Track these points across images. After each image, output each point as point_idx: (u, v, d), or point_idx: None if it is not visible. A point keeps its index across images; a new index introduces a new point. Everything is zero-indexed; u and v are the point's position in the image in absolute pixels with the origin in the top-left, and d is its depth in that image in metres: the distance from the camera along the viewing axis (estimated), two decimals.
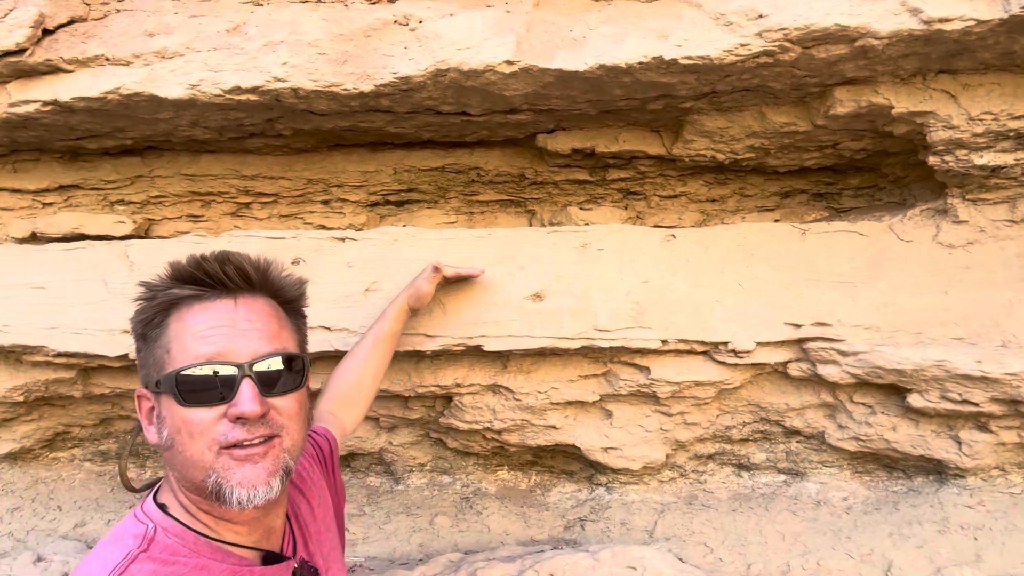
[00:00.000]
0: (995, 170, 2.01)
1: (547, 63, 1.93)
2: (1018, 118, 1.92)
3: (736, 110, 2.19)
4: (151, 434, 1.14)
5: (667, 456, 2.31)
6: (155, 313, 1.13)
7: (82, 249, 2.32)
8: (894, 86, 1.98)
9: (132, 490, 1.30)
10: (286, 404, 1.12)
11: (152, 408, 1.13)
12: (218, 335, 1.08)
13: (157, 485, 1.21)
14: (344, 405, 1.78)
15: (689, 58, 1.88)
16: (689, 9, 1.92)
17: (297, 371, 1.15)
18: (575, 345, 2.12)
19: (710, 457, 2.39)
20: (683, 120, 2.25)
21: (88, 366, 2.28)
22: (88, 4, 2.12)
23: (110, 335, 2.20)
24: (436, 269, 1.96)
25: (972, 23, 1.71)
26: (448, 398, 2.31)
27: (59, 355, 2.21)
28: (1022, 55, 1.84)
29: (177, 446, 1.07)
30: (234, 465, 1.05)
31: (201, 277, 1.12)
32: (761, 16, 1.83)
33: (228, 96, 2.05)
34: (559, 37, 1.96)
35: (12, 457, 2.61)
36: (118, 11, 2.13)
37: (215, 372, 1.06)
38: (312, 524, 1.36)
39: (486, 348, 2.11)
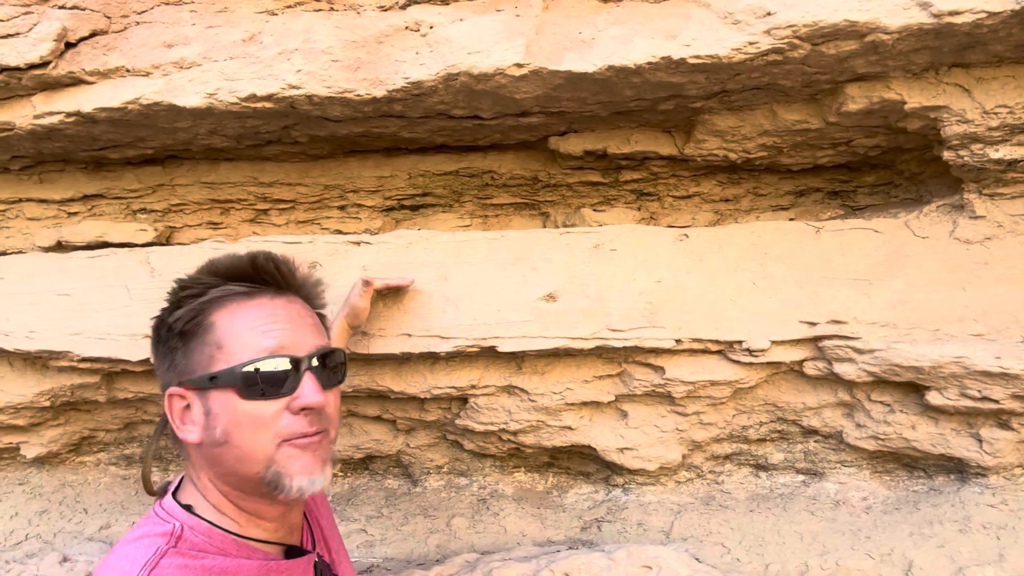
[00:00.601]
0: (1012, 164, 1.98)
1: (556, 65, 1.94)
2: None
3: (747, 109, 2.18)
4: (189, 433, 1.14)
5: (683, 456, 2.30)
6: (199, 310, 1.14)
7: (105, 257, 2.38)
8: (906, 81, 1.97)
9: (153, 494, 1.32)
10: (334, 398, 1.17)
11: (187, 406, 1.14)
12: (278, 330, 1.12)
13: (171, 486, 1.23)
14: None
15: (698, 57, 1.88)
16: (697, 9, 1.92)
17: (339, 365, 1.21)
18: (589, 345, 2.12)
19: (727, 457, 2.37)
20: (694, 120, 2.25)
21: (112, 371, 2.33)
22: (109, 17, 2.18)
23: (133, 340, 2.25)
24: (367, 283, 1.93)
25: (983, 15, 1.69)
26: (464, 399, 2.32)
27: (83, 360, 2.26)
28: None
29: (234, 441, 1.09)
30: (295, 454, 1.09)
31: (251, 273, 1.16)
32: (769, 14, 1.83)
33: (244, 104, 2.09)
34: (568, 39, 1.98)
35: (40, 461, 2.67)
36: (138, 23, 2.18)
37: (280, 366, 1.09)
38: (321, 521, 1.40)
39: (500, 349, 2.12)
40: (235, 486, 1.13)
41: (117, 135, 2.33)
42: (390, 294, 2.19)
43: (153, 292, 2.31)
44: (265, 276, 1.17)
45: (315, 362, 1.13)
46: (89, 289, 2.33)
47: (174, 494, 1.21)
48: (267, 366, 1.09)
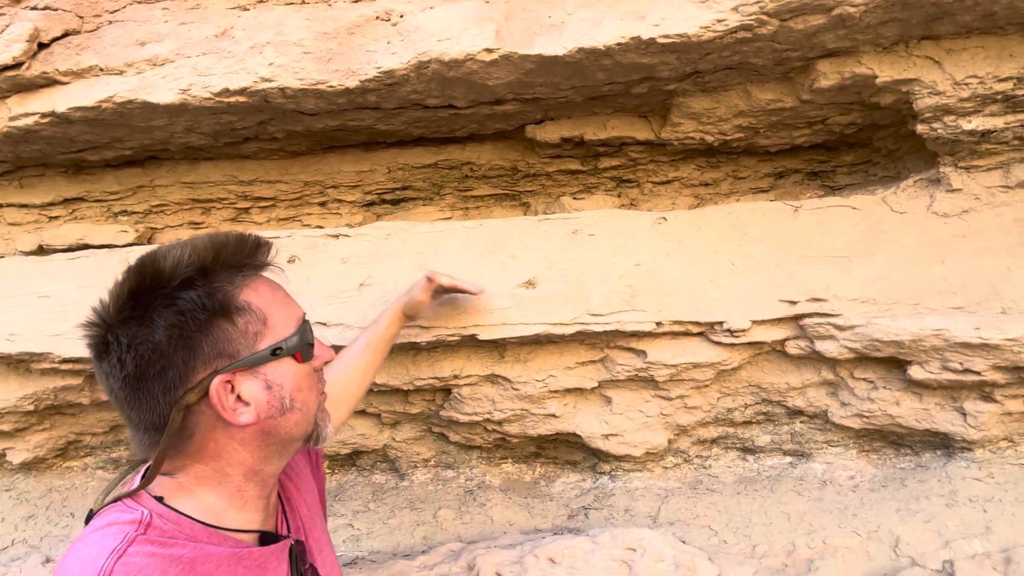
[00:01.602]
0: (985, 135, 1.98)
1: (527, 49, 1.94)
2: (1004, 80, 1.90)
3: (721, 90, 2.18)
4: (243, 415, 1.08)
5: (669, 441, 2.29)
6: (229, 291, 1.09)
7: (85, 258, 2.38)
8: (877, 55, 1.97)
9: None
10: None
11: (260, 382, 1.09)
12: (289, 298, 1.20)
13: (133, 480, 1.20)
14: (329, 407, 1.80)
15: (667, 36, 1.88)
16: None
17: None
18: (570, 330, 2.11)
19: (713, 441, 2.36)
20: (669, 103, 2.25)
21: (93, 371, 2.32)
22: (81, 17, 2.19)
23: None
24: (429, 280, 1.90)
25: None
26: (447, 390, 2.31)
27: (64, 360, 2.26)
28: (1004, 16, 1.82)
29: (298, 404, 1.15)
30: (324, 406, 1.23)
31: (260, 252, 1.17)
32: None
33: (218, 99, 2.10)
34: (537, 23, 1.98)
35: (27, 467, 2.66)
36: (110, 22, 2.19)
37: (311, 330, 1.20)
38: (300, 507, 1.37)
39: (481, 337, 2.11)
40: (271, 457, 1.16)
41: (94, 136, 2.33)
42: (373, 285, 2.18)
43: None
44: (267, 251, 1.20)
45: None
46: (69, 290, 2.33)
47: (142, 486, 1.18)
48: (308, 330, 1.18)
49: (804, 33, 1.88)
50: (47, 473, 2.66)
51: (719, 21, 1.85)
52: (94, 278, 2.34)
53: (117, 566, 0.97)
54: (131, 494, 1.10)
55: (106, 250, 2.41)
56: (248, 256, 1.15)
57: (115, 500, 1.11)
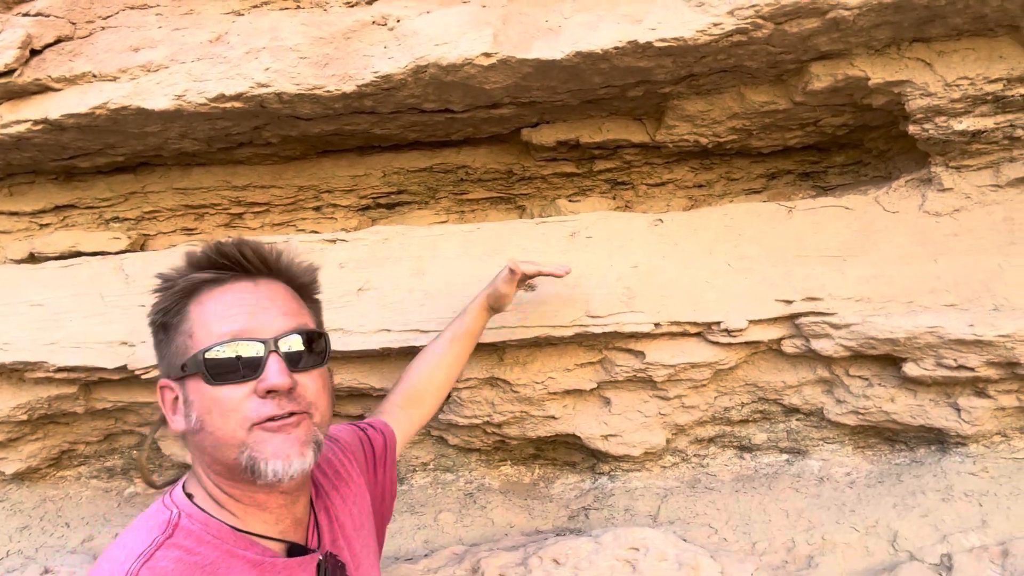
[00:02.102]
0: (976, 135, 2.02)
1: (524, 54, 1.95)
2: (994, 81, 1.94)
3: (715, 92, 2.21)
4: (177, 423, 1.15)
5: (667, 441, 2.31)
6: (175, 301, 1.15)
7: (78, 265, 2.36)
8: (869, 57, 2.00)
9: (154, 486, 1.34)
10: (311, 380, 1.14)
11: (176, 398, 1.14)
12: (241, 313, 1.11)
13: (183, 477, 1.23)
14: (413, 401, 1.77)
15: (664, 40, 1.90)
16: None
17: (320, 348, 1.18)
18: (569, 333, 2.12)
19: (711, 440, 2.38)
20: (664, 106, 2.27)
21: (89, 380, 2.30)
22: (74, 23, 2.17)
23: (109, 347, 2.23)
24: (512, 271, 1.83)
25: None
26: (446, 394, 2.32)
27: (59, 370, 2.24)
28: (994, 18, 1.86)
29: (207, 427, 1.09)
30: (267, 437, 1.07)
31: (220, 260, 1.15)
32: None
33: (213, 104, 2.09)
34: (535, 28, 1.99)
35: (20, 477, 2.63)
36: (103, 28, 2.18)
37: (242, 349, 1.08)
38: (344, 520, 1.34)
39: (481, 340, 2.11)
40: (222, 474, 1.13)
41: (86, 142, 2.31)
42: (372, 289, 2.18)
43: (128, 299, 2.29)
44: (232, 262, 1.16)
45: (284, 344, 1.11)
46: (63, 298, 2.31)
47: (184, 483, 1.21)
48: (228, 350, 1.08)
49: (798, 36, 1.90)
50: (40, 483, 2.63)
51: (715, 25, 1.87)
52: (88, 286, 2.32)
53: (143, 571, 1.00)
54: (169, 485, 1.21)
55: (99, 257, 2.39)
56: (218, 266, 1.15)
57: (172, 481, 1.21)
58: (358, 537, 1.34)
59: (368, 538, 1.38)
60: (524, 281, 1.91)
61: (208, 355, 1.07)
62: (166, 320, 1.16)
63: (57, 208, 2.60)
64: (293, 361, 1.11)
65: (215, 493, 1.14)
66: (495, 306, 1.89)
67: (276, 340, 1.10)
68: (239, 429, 1.07)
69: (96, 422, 2.53)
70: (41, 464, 2.58)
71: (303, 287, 1.27)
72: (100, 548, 2.38)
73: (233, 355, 1.08)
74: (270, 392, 1.07)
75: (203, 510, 1.12)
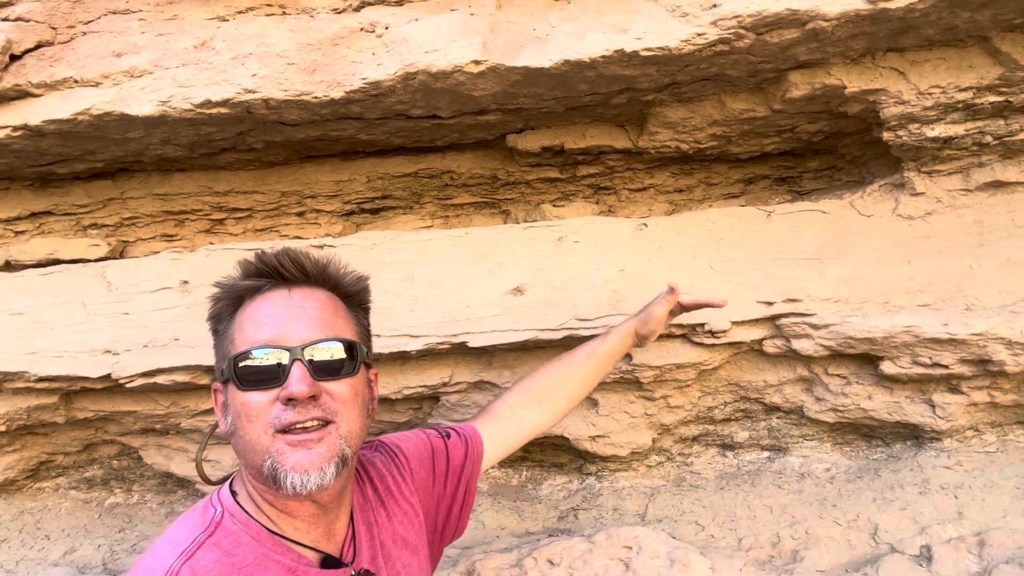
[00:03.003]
0: (947, 141, 2.10)
1: (513, 61, 1.98)
2: (965, 90, 2.02)
3: (697, 100, 2.26)
4: (222, 425, 1.19)
5: (653, 440, 2.35)
6: (223, 308, 1.20)
7: (59, 273, 2.32)
8: (845, 67, 2.07)
9: (209, 482, 1.36)
10: (339, 389, 1.14)
11: (223, 401, 1.18)
12: (272, 321, 1.13)
13: (234, 473, 1.25)
14: (532, 401, 1.67)
15: (649, 50, 1.94)
16: (646, 3, 1.98)
17: (351, 357, 1.17)
18: (558, 336, 2.15)
19: (695, 439, 2.44)
20: (646, 113, 2.32)
21: (71, 389, 2.27)
22: (54, 28, 2.14)
23: (92, 356, 2.20)
24: (672, 290, 1.76)
25: (915, 0, 1.79)
26: (435, 398, 2.33)
27: (41, 379, 2.20)
28: (964, 29, 1.94)
29: (239, 431, 1.12)
30: (288, 450, 1.08)
31: (261, 269, 1.18)
32: (715, 5, 1.90)
33: (199, 110, 2.07)
34: (523, 36, 2.02)
35: None
36: (84, 33, 2.14)
37: (267, 356, 1.10)
38: (386, 537, 1.32)
39: (471, 344, 2.14)
40: (256, 478, 1.15)
41: (66, 148, 2.28)
42: None
43: (110, 306, 2.26)
44: (271, 270, 1.18)
45: (310, 353, 1.11)
46: (44, 307, 2.27)
47: (232, 481, 1.23)
48: (255, 356, 1.10)
49: (778, 46, 1.96)
50: (17, 495, 2.58)
51: (699, 35, 1.92)
52: (69, 294, 2.29)
53: (184, 568, 1.04)
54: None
55: (80, 265, 2.35)
56: (260, 274, 1.18)
57: (226, 477, 1.24)
58: (400, 556, 1.32)
59: (412, 557, 1.35)
60: (679, 311, 1.82)
61: (239, 361, 1.11)
62: (216, 327, 1.22)
63: (33, 215, 2.55)
64: (321, 369, 1.12)
65: (254, 495, 1.17)
66: (643, 331, 1.80)
67: (302, 348, 1.11)
68: (263, 434, 1.09)
69: (76, 432, 2.49)
70: (19, 476, 2.53)
71: (349, 296, 1.28)
72: (83, 560, 2.34)
73: (260, 362, 1.10)
74: (291, 400, 1.08)
75: (244, 510, 1.15)
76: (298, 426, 1.09)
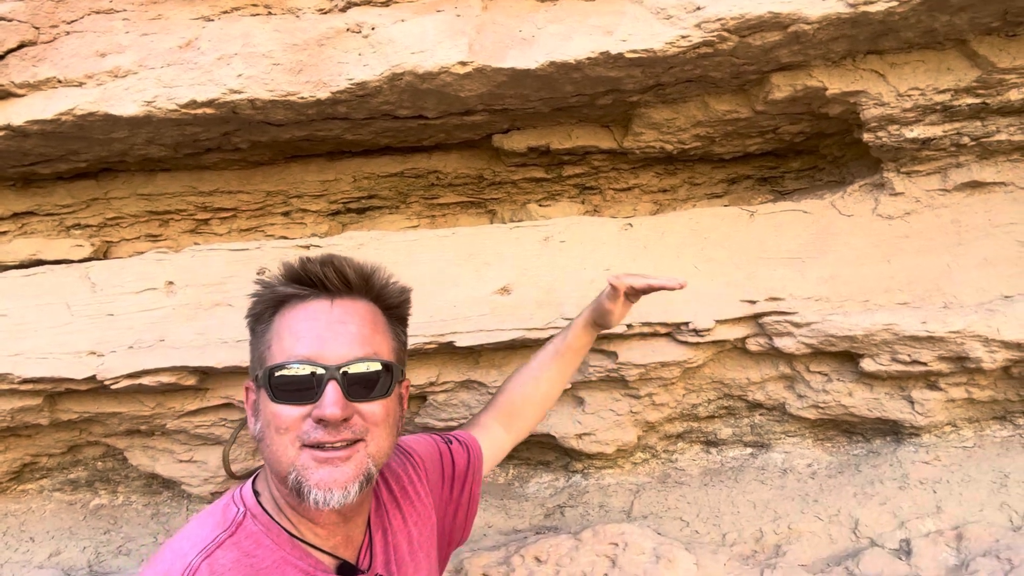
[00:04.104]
0: (925, 142, 2.14)
1: (500, 63, 1.99)
2: (943, 92, 2.05)
3: (681, 101, 2.28)
4: (251, 424, 1.18)
5: (638, 438, 2.38)
6: (264, 309, 1.18)
7: (42, 274, 2.30)
8: (827, 69, 2.10)
9: (234, 477, 1.36)
10: (371, 410, 1.12)
11: (255, 400, 1.16)
12: (311, 336, 1.11)
13: (257, 471, 1.25)
14: (509, 416, 1.67)
15: (634, 52, 1.96)
16: (631, 5, 2.00)
17: (386, 378, 1.15)
18: (544, 334, 2.16)
19: (679, 436, 2.46)
20: (631, 114, 2.34)
21: (55, 391, 2.25)
22: (37, 28, 2.12)
23: (76, 358, 2.19)
24: (614, 287, 1.68)
25: (895, 3, 1.82)
26: (423, 397, 2.34)
27: (25, 381, 2.18)
28: (943, 32, 1.97)
29: (266, 439, 1.11)
30: (314, 465, 1.07)
31: (304, 277, 1.15)
32: (699, 8, 1.92)
33: (184, 111, 2.07)
34: (509, 37, 2.03)
35: None
36: (68, 33, 2.13)
37: (304, 372, 1.08)
38: (400, 540, 1.32)
39: (458, 344, 2.15)
40: (279, 483, 1.14)
41: (49, 149, 2.26)
42: None
43: (95, 307, 2.25)
44: (314, 280, 1.15)
45: (346, 372, 1.10)
46: (27, 308, 2.25)
47: (255, 479, 1.22)
48: (292, 371, 1.09)
49: (761, 48, 1.99)
50: (1, 498, 2.56)
51: (683, 37, 1.94)
52: (53, 295, 2.27)
53: (203, 565, 1.05)
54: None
55: (63, 265, 2.34)
56: (302, 281, 1.16)
57: (251, 473, 1.24)
58: (413, 559, 1.32)
59: (423, 560, 1.35)
60: (636, 296, 1.74)
61: (274, 372, 1.09)
62: (254, 326, 1.20)
63: (15, 215, 2.53)
64: (356, 389, 1.10)
65: (277, 498, 1.17)
66: (601, 323, 1.74)
67: (339, 367, 1.09)
68: (291, 447, 1.08)
69: (60, 434, 2.48)
70: (2, 478, 2.51)
71: (391, 309, 1.26)
72: (68, 562, 2.33)
73: (296, 377, 1.08)
74: (321, 420, 1.07)
75: (266, 511, 1.15)
76: (327, 445, 1.08)
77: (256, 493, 1.18)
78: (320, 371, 1.08)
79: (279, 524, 1.15)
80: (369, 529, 1.26)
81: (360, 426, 1.11)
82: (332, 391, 1.07)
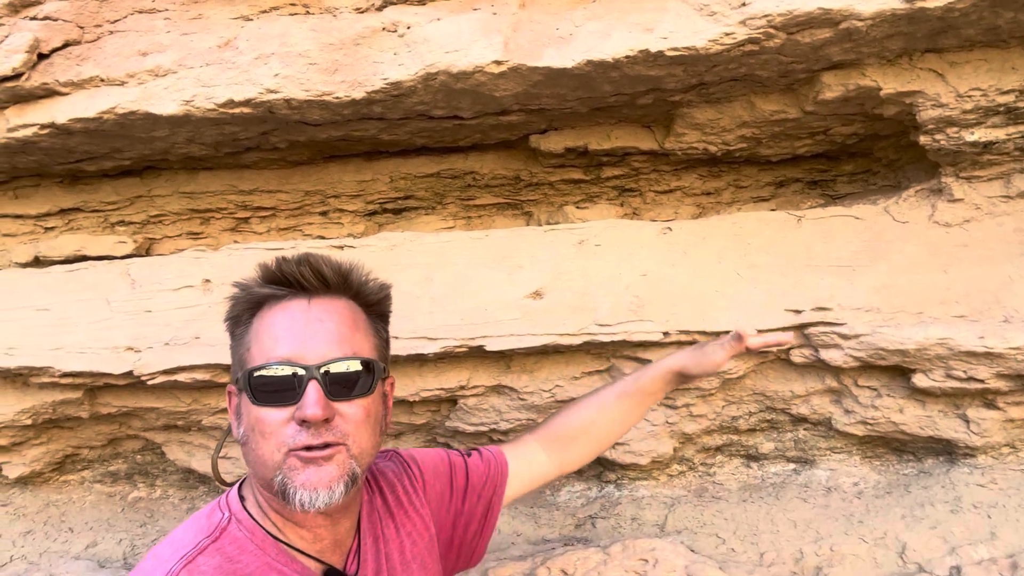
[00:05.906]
0: (987, 146, 2.01)
1: (535, 61, 1.95)
2: (1007, 93, 1.93)
3: (725, 101, 2.20)
4: (234, 429, 1.16)
5: (675, 449, 2.30)
6: (241, 311, 1.16)
7: (84, 270, 2.35)
8: (881, 68, 1.99)
9: (224, 483, 1.33)
10: (352, 410, 1.10)
11: (237, 404, 1.15)
12: (290, 336, 1.09)
13: (244, 477, 1.23)
14: (551, 441, 1.57)
15: (675, 50, 1.89)
16: (673, 2, 1.93)
17: (368, 376, 1.13)
18: (577, 341, 2.12)
19: (718, 449, 2.38)
20: (673, 114, 2.26)
21: (94, 385, 2.29)
22: (81, 27, 2.16)
23: (115, 353, 2.22)
24: (739, 337, 1.55)
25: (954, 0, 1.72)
26: (453, 401, 2.31)
27: (65, 375, 2.23)
28: (1007, 30, 1.85)
29: (251, 443, 1.09)
30: (299, 466, 1.05)
31: (281, 277, 1.13)
32: (744, 4, 1.84)
33: (222, 110, 2.08)
34: (546, 36, 1.98)
35: (23, 481, 2.62)
36: (111, 32, 2.16)
37: (284, 373, 1.07)
38: (392, 551, 1.29)
39: (488, 348, 2.11)
40: (263, 486, 1.12)
41: (93, 146, 2.30)
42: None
43: (134, 304, 2.28)
44: (295, 279, 1.13)
45: (326, 372, 1.08)
46: (69, 303, 2.30)
47: (241, 484, 1.21)
48: (271, 373, 1.07)
49: (810, 46, 1.90)
50: (44, 488, 2.62)
51: (727, 35, 1.86)
52: (93, 291, 2.31)
53: (183, 572, 1.03)
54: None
55: (105, 262, 2.38)
56: (279, 281, 1.13)
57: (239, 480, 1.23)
58: (405, 571, 1.29)
59: (418, 572, 1.31)
60: (741, 352, 1.59)
61: (254, 375, 1.07)
62: (233, 329, 1.18)
63: (62, 211, 2.59)
64: (336, 389, 1.08)
65: (262, 502, 1.15)
66: (695, 372, 1.59)
67: (319, 367, 1.07)
68: (276, 452, 1.06)
69: (100, 427, 2.53)
70: (45, 468, 2.57)
71: (370, 306, 1.23)
72: (104, 554, 2.37)
73: (276, 378, 1.07)
74: (304, 421, 1.05)
75: (252, 516, 1.13)
76: (312, 447, 1.06)
77: (242, 498, 1.16)
78: (300, 371, 1.06)
79: (264, 528, 1.12)
80: (359, 535, 1.23)
81: (341, 429, 1.08)
82: (313, 391, 1.05)
